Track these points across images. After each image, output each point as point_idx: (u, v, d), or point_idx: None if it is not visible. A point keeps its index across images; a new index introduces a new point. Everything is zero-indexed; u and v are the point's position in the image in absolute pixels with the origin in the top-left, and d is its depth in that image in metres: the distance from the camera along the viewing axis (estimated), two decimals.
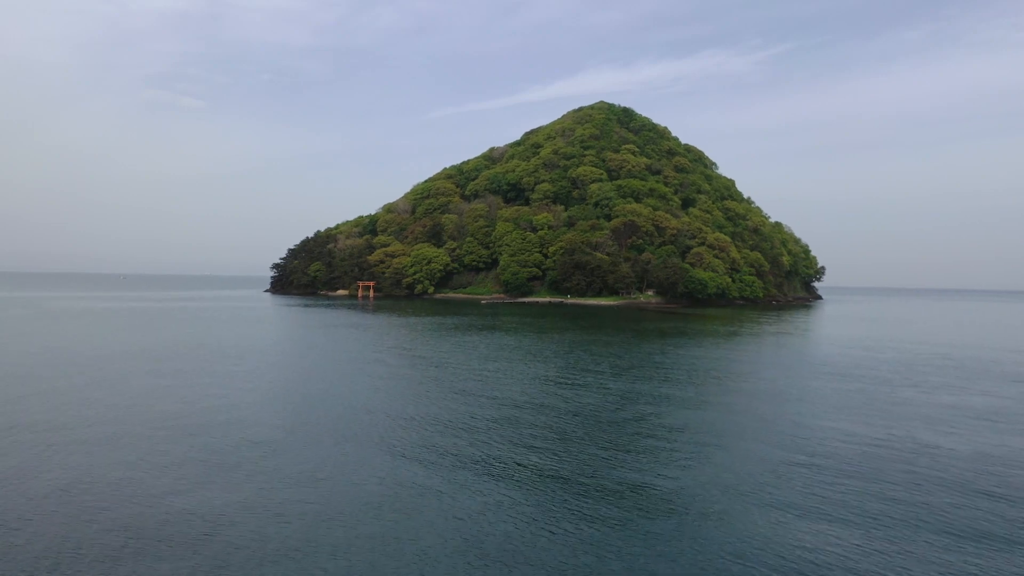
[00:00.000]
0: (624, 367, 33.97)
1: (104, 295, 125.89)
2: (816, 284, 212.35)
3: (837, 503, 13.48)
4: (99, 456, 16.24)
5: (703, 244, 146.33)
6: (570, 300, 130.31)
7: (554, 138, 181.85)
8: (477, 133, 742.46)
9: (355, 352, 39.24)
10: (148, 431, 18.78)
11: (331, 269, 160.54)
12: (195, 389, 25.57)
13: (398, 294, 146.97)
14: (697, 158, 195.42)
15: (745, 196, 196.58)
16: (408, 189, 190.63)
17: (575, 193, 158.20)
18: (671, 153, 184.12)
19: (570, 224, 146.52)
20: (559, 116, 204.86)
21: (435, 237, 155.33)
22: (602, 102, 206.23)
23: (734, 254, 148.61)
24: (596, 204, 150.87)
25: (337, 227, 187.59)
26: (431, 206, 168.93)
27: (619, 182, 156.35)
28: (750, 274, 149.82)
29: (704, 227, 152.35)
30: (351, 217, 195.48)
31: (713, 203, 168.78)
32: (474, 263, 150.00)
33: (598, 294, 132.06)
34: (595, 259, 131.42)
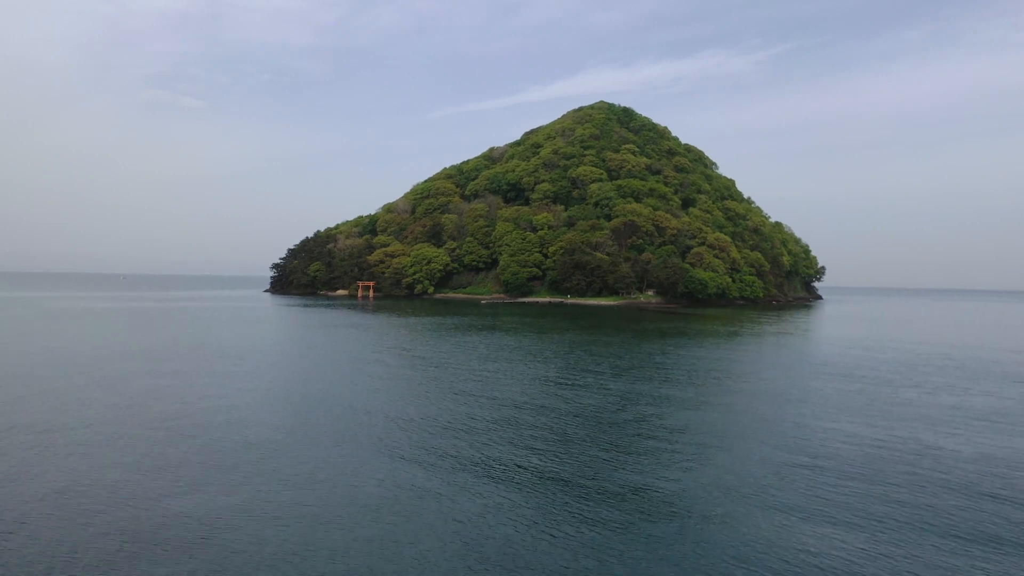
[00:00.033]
0: (624, 367, 33.84)
1: (104, 295, 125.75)
2: (816, 284, 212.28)
3: (841, 505, 13.34)
4: (96, 457, 16.11)
5: (703, 244, 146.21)
6: (570, 300, 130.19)
7: (554, 138, 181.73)
8: (477, 133, 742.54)
9: (354, 352, 39.11)
10: (146, 432, 18.65)
11: (331, 269, 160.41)
12: (194, 390, 25.44)
13: (398, 294, 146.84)
14: (697, 158, 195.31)
15: (745, 196, 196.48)
16: (408, 189, 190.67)
17: (575, 193, 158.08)
18: (671, 153, 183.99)
19: (570, 224, 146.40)
20: (559, 116, 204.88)
21: (435, 237, 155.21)
22: (602, 102, 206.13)
23: (734, 254, 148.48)
24: (596, 204, 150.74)
25: (337, 227, 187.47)
26: (431, 206, 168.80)
27: (619, 182, 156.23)
28: (750, 274, 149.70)
29: (704, 227, 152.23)
30: (351, 217, 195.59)
31: (713, 203, 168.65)
32: (474, 263, 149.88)
33: (598, 294, 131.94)
34: (595, 259, 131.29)
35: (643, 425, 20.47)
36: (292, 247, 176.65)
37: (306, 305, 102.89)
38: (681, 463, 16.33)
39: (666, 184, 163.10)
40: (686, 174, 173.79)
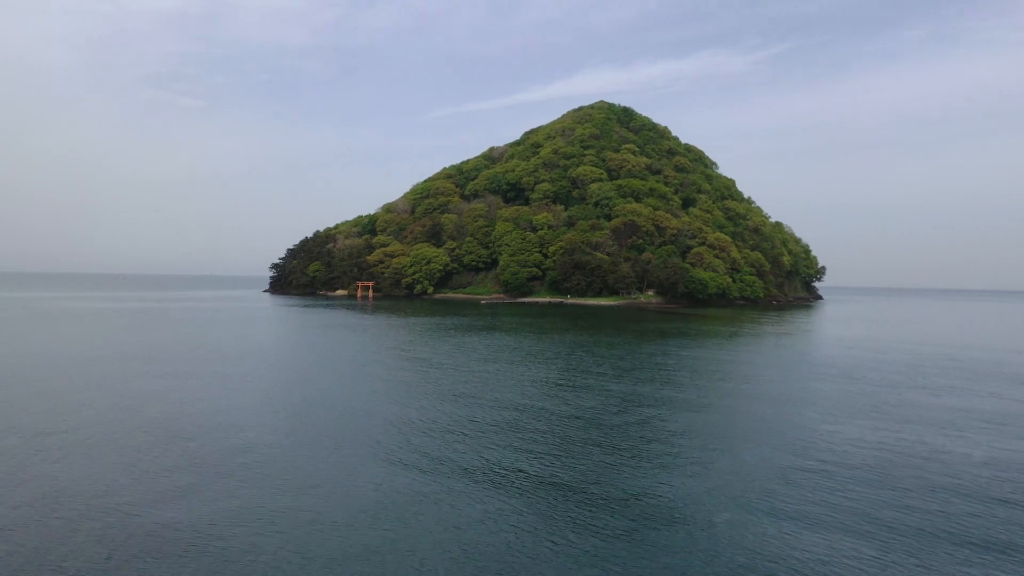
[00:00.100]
0: (626, 369, 33.51)
1: (102, 295, 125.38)
2: (816, 284, 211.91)
3: (850, 511, 13.01)
4: (88, 462, 15.77)
5: (703, 244, 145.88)
6: (570, 300, 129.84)
7: (554, 138, 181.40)
8: (477, 133, 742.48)
9: (353, 354, 38.78)
10: (140, 435, 18.31)
11: (330, 269, 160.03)
12: (191, 392, 25.10)
13: (397, 294, 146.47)
14: (697, 158, 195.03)
15: (745, 196, 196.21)
16: (408, 189, 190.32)
17: (575, 193, 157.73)
18: (671, 153, 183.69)
19: (570, 224, 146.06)
20: (559, 116, 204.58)
21: (434, 237, 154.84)
22: (602, 102, 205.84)
23: (734, 254, 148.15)
24: (596, 204, 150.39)
25: (336, 227, 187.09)
26: (431, 206, 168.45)
27: (619, 182, 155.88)
28: (751, 274, 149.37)
29: (704, 227, 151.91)
30: (350, 217, 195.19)
31: (713, 203, 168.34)
32: (474, 263, 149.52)
33: (598, 294, 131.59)
34: (595, 259, 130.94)
35: (645, 428, 20.14)
36: (291, 247, 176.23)
37: (305, 305, 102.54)
38: (684, 467, 16.00)
39: (666, 184, 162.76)
40: (686, 174, 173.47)
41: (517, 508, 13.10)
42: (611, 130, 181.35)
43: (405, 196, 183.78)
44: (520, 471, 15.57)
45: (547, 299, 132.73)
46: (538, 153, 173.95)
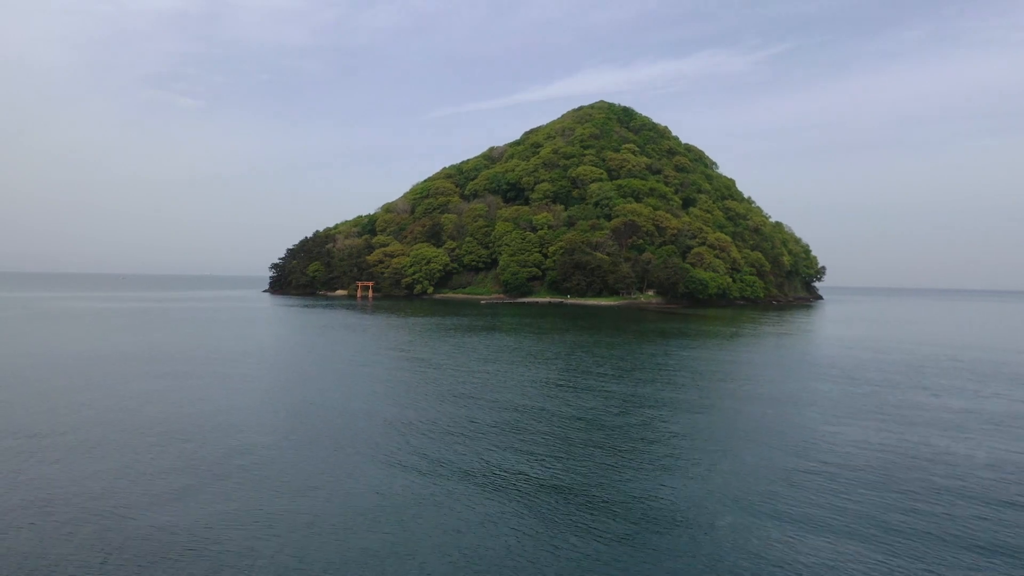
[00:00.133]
0: (626, 369, 33.35)
1: (102, 295, 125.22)
2: (817, 284, 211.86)
3: (854, 515, 12.85)
4: (84, 464, 15.61)
5: (704, 244, 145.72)
6: (570, 300, 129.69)
7: (554, 137, 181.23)
8: (477, 133, 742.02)
9: (353, 354, 38.62)
10: (138, 437, 18.15)
11: (330, 269, 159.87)
12: (190, 392, 24.94)
13: (397, 294, 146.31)
14: (697, 158, 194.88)
15: (745, 196, 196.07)
16: (407, 189, 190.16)
17: (575, 193, 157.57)
18: (671, 153, 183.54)
19: (570, 224, 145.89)
20: (559, 116, 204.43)
21: (434, 237, 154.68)
22: (602, 101, 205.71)
23: (735, 254, 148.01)
24: (596, 204, 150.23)
25: (336, 227, 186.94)
26: (430, 206, 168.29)
27: (619, 182, 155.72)
28: (751, 274, 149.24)
29: (705, 227, 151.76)
30: (350, 217, 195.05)
31: (714, 203, 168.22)
32: (473, 263, 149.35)
33: (598, 294, 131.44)
34: (595, 259, 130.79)
35: (646, 429, 19.99)
36: (291, 247, 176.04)
37: (305, 305, 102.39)
38: (686, 469, 15.84)
39: (666, 184, 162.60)
40: (686, 174, 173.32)
41: (518, 511, 12.94)
42: (611, 130, 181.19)
43: (405, 196, 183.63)
44: (521, 473, 15.42)
45: (547, 299, 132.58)
46: (538, 153, 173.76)
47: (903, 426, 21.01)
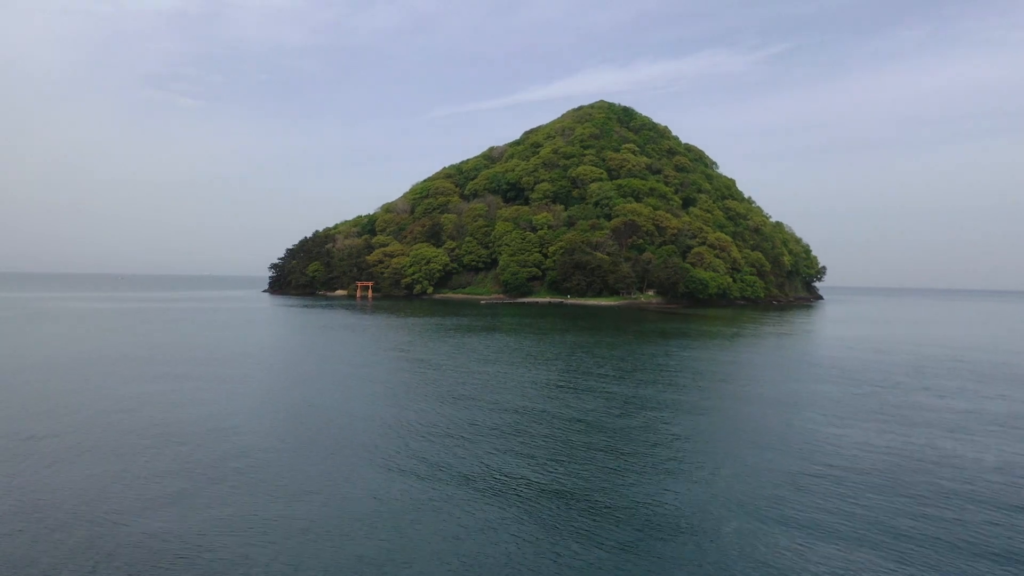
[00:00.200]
0: (627, 370, 33.08)
1: (100, 296, 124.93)
2: (817, 284, 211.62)
3: (863, 520, 12.57)
4: (77, 468, 15.33)
5: (704, 244, 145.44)
6: (570, 300, 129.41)
7: (554, 137, 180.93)
8: (477, 133, 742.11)
9: (351, 355, 38.34)
10: (132, 440, 17.87)
11: (329, 269, 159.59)
12: (187, 394, 24.66)
13: (397, 294, 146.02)
14: (697, 157, 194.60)
15: (746, 196, 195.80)
16: (407, 189, 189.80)
17: (575, 193, 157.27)
18: (671, 152, 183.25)
19: (570, 224, 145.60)
20: (559, 116, 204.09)
21: (434, 237, 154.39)
22: (602, 101, 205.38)
23: (735, 254, 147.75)
24: (596, 204, 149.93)
25: (336, 227, 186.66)
26: (430, 206, 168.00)
27: (619, 181, 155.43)
28: (751, 274, 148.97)
29: (705, 227, 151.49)
30: (350, 217, 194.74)
31: (714, 203, 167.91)
32: (473, 263, 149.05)
33: (598, 294, 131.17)
34: (595, 259, 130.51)
35: (648, 432, 19.71)
36: (291, 247, 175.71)
37: (304, 306, 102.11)
38: (689, 472, 15.56)
39: (666, 184, 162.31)
40: (686, 173, 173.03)
41: (518, 517, 12.66)
42: (611, 130, 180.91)
43: (405, 196, 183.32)
44: (521, 477, 15.14)
45: (547, 299, 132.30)
46: (538, 153, 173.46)
47: (908, 428, 20.74)
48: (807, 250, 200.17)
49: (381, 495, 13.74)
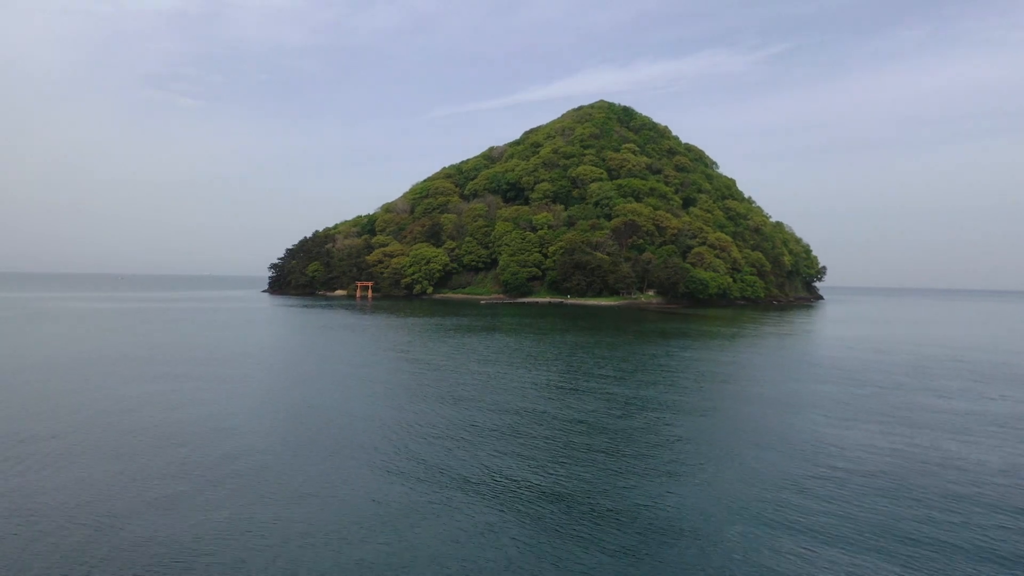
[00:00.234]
0: (628, 371, 32.92)
1: (100, 296, 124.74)
2: (817, 284, 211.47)
3: (868, 524, 12.41)
4: (73, 470, 15.16)
5: (704, 244, 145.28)
6: (570, 300, 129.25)
7: (554, 137, 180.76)
8: (477, 133, 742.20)
9: (351, 355, 38.18)
10: (129, 442, 17.70)
11: (329, 269, 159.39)
12: (186, 395, 24.50)
13: (397, 294, 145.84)
14: (698, 157, 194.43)
15: (746, 196, 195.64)
16: (407, 189, 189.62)
17: (575, 192, 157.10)
18: (671, 152, 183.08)
19: (570, 224, 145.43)
20: (559, 116, 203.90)
21: (434, 237, 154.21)
22: (602, 101, 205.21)
23: (735, 254, 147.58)
24: (596, 204, 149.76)
25: (335, 227, 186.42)
26: (430, 206, 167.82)
27: (619, 181, 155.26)
28: (751, 274, 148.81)
29: (705, 227, 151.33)
30: (349, 217, 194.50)
31: (714, 203, 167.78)
32: (473, 263, 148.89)
33: (598, 294, 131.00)
34: (595, 259, 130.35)
35: (649, 433, 19.55)
36: (290, 247, 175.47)
37: (304, 306, 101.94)
38: (691, 475, 15.40)
39: (667, 183, 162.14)
40: (687, 173, 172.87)
41: (519, 520, 12.51)
42: (611, 130, 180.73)
43: (404, 196, 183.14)
44: (522, 480, 14.98)
45: (547, 299, 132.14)
46: (538, 153, 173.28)
47: (911, 429, 20.59)
48: (807, 250, 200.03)
49: (380, 498, 13.58)
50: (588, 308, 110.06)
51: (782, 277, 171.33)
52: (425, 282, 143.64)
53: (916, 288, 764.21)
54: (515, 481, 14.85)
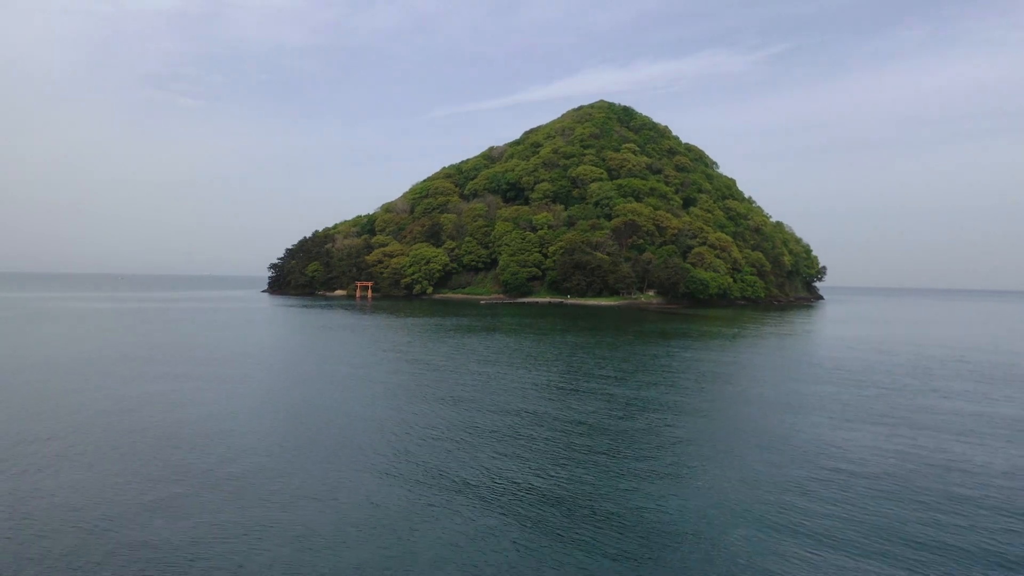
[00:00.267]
0: (628, 371, 32.77)
1: (100, 295, 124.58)
2: (817, 284, 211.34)
3: (873, 527, 12.26)
4: (69, 472, 15.02)
5: (704, 244, 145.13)
6: (570, 300, 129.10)
7: (554, 137, 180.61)
8: (477, 133, 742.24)
9: (351, 356, 38.03)
10: (126, 444, 17.55)
11: (329, 269, 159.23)
12: (185, 395, 24.35)
13: (396, 294, 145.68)
14: (698, 157, 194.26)
15: (746, 196, 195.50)
16: (407, 189, 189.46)
17: (575, 192, 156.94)
18: (672, 152, 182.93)
19: (570, 224, 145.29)
20: (559, 116, 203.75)
21: (434, 237, 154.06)
22: (602, 101, 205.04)
23: (735, 254, 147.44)
24: (596, 203, 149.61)
25: (335, 227, 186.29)
26: (430, 206, 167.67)
27: (619, 181, 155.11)
28: (751, 274, 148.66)
29: (705, 227, 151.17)
30: (349, 217, 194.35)
31: (714, 202, 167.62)
32: (473, 263, 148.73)
33: (598, 294, 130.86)
34: (595, 259, 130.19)
35: (651, 435, 19.40)
36: (290, 247, 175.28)
37: (304, 306, 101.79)
38: (693, 477, 15.25)
39: (667, 183, 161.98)
40: (687, 173, 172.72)
41: (520, 523, 12.36)
42: (611, 129, 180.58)
43: (404, 196, 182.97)
44: (523, 483, 14.83)
45: (547, 299, 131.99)
46: (538, 153, 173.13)
47: (915, 431, 20.44)
48: (807, 250, 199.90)
49: (379, 500, 13.44)
50: (588, 308, 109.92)
51: (782, 277, 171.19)
52: (425, 282, 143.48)
53: (916, 288, 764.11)
54: (515, 483, 14.71)
